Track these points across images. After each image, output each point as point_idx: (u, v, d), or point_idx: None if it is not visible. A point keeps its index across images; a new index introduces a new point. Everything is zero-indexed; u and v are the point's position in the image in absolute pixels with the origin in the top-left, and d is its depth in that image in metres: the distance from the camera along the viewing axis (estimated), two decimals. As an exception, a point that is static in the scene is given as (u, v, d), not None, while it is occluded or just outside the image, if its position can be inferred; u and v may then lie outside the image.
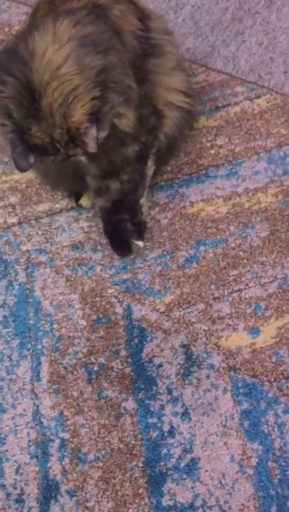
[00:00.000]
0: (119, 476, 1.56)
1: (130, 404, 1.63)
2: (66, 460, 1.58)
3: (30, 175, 1.86)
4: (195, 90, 1.88)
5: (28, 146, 1.40)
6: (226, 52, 2.07)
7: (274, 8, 2.13)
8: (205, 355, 1.67)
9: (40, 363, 1.68)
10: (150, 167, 1.74)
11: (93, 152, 1.38)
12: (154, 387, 1.64)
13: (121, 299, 1.74)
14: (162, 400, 1.63)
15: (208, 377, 1.65)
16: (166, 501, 1.54)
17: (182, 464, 1.57)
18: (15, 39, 1.54)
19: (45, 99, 1.36)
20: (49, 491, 1.56)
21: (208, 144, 1.93)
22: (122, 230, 1.76)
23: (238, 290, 1.74)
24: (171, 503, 1.53)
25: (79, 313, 1.73)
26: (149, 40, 1.61)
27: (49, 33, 1.40)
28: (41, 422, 1.62)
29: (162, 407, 1.62)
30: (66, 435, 1.61)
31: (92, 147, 1.37)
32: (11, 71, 1.39)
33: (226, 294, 1.74)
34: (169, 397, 1.63)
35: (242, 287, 1.75)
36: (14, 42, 1.48)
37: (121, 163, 1.65)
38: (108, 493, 1.55)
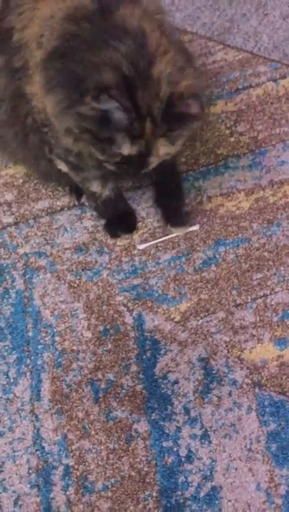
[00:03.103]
0: (131, 508, 1.56)
1: (142, 426, 1.62)
2: (71, 489, 1.58)
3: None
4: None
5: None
6: (246, 27, 2.06)
7: (300, -23, 2.12)
8: (226, 370, 1.66)
9: (40, 381, 1.68)
10: None
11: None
12: (169, 407, 1.64)
13: (131, 308, 1.74)
14: (178, 421, 1.62)
15: (230, 394, 1.64)
16: (184, 535, 1.53)
17: (202, 493, 1.56)
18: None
19: (157, 65, 1.39)
20: (52, 524, 1.56)
21: (228, 131, 1.92)
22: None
23: (263, 296, 1.74)
24: (189, 537, 1.53)
25: (84, 324, 1.73)
26: None
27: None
28: (42, 447, 1.62)
29: (179, 428, 1.62)
30: (71, 461, 1.60)
31: (196, 110, 1.39)
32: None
33: (249, 300, 1.73)
34: (186, 417, 1.62)
35: (267, 292, 1.74)
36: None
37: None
38: (118, 526, 1.55)
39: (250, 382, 1.65)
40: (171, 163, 1.78)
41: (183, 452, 1.60)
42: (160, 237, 1.81)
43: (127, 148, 1.42)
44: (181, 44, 1.58)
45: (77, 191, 1.85)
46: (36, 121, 1.58)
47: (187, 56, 1.55)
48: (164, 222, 1.81)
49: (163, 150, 1.44)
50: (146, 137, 1.41)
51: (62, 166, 1.67)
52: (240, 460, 1.59)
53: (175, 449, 1.60)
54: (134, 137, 1.40)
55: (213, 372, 1.67)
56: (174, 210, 1.82)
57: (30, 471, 1.60)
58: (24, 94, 1.56)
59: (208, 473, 1.58)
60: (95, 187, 1.73)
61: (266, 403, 1.63)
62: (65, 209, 1.87)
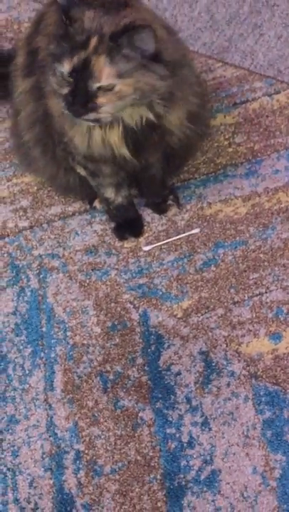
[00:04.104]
0: (137, 489, 1.56)
1: (147, 414, 1.62)
2: (81, 473, 1.58)
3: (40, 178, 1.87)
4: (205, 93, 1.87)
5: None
6: (243, 46, 2.06)
7: (293, 0, 2.12)
8: (225, 363, 1.66)
9: (53, 372, 1.67)
10: None
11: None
12: (172, 396, 1.63)
13: (137, 305, 1.74)
14: (181, 410, 1.62)
15: (228, 385, 1.64)
16: (186, 515, 1.53)
17: (202, 476, 1.56)
18: None
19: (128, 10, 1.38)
20: (64, 505, 1.55)
21: (226, 142, 1.92)
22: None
23: (259, 294, 1.73)
24: (191, 517, 1.53)
25: (93, 320, 1.72)
26: None
27: None
28: (55, 434, 1.62)
29: (181, 416, 1.61)
30: (81, 447, 1.60)
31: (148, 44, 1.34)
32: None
33: (246, 298, 1.73)
34: (188, 406, 1.62)
35: (263, 291, 1.73)
36: None
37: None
38: (125, 507, 1.54)
39: (247, 373, 1.65)
40: (159, 177, 1.79)
41: (185, 438, 1.60)
42: (164, 240, 1.81)
43: (67, 61, 1.35)
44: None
45: (90, 201, 1.86)
46: (59, 133, 1.58)
47: (171, 36, 1.52)
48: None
49: (105, 71, 1.34)
50: (89, 50, 1.34)
51: (82, 171, 1.67)
52: (237, 445, 1.58)
53: (178, 435, 1.60)
54: (76, 48, 1.34)
55: (213, 364, 1.66)
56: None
57: (44, 456, 1.60)
58: (51, 112, 1.56)
59: (208, 458, 1.58)
60: (109, 193, 1.73)
61: (262, 393, 1.63)
62: (76, 214, 1.87)
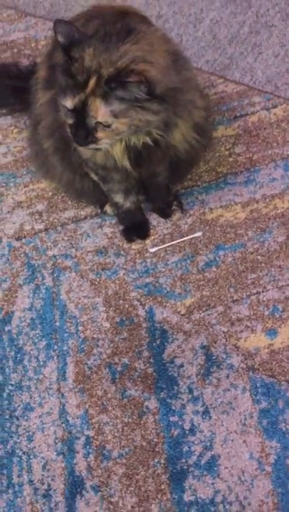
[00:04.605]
0: (142, 473, 1.55)
1: (152, 403, 1.62)
2: (91, 457, 1.58)
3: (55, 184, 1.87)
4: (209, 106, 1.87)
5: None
6: (243, 63, 2.06)
7: (290, 21, 2.12)
8: (224, 356, 1.66)
9: (66, 364, 1.67)
10: None
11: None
12: (176, 387, 1.63)
13: (143, 302, 1.74)
14: (183, 399, 1.62)
15: (227, 377, 1.63)
16: (187, 497, 1.52)
17: (203, 461, 1.55)
18: None
19: (127, 46, 1.36)
20: (75, 486, 1.55)
21: (227, 152, 1.92)
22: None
23: (256, 293, 1.73)
24: (192, 498, 1.52)
25: (103, 316, 1.72)
26: None
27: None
28: (67, 420, 1.61)
29: (183, 406, 1.61)
30: (91, 433, 1.60)
31: (136, 79, 1.33)
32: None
33: (244, 296, 1.73)
34: (190, 396, 1.62)
35: (260, 290, 1.73)
36: None
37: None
38: (131, 488, 1.54)
39: (244, 366, 1.65)
40: (165, 185, 1.80)
41: (187, 426, 1.60)
42: (169, 242, 1.81)
43: (69, 100, 1.37)
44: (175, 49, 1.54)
45: (101, 206, 1.86)
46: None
47: (176, 59, 1.49)
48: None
49: (100, 112, 1.36)
50: (87, 92, 1.35)
51: (94, 176, 1.67)
52: (235, 433, 1.58)
53: (180, 423, 1.60)
54: (76, 88, 1.35)
55: (213, 357, 1.66)
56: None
57: (57, 441, 1.60)
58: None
59: (208, 444, 1.57)
60: (118, 198, 1.73)
61: (258, 385, 1.62)
62: (88, 218, 1.86)
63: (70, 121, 1.41)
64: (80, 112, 1.38)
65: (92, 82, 1.34)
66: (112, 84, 1.33)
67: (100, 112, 1.36)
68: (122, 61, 1.34)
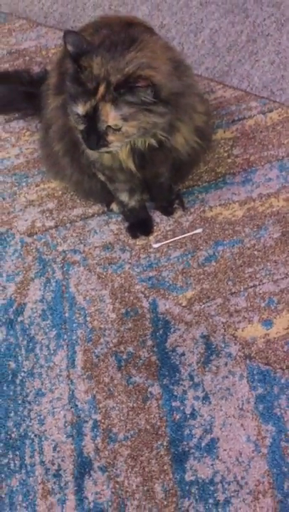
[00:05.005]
0: (146, 454, 1.56)
1: (156, 389, 1.62)
2: (98, 439, 1.58)
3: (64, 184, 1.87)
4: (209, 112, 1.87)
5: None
6: (241, 70, 2.06)
7: (285, 30, 2.11)
8: (223, 345, 1.66)
9: (75, 352, 1.68)
10: None
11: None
12: (178, 374, 1.63)
13: (147, 294, 1.74)
14: (185, 386, 1.62)
15: (226, 364, 1.63)
16: (188, 477, 1.53)
17: (203, 444, 1.56)
18: None
19: (132, 53, 1.36)
20: (83, 467, 1.55)
21: (226, 154, 1.91)
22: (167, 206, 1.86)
23: (253, 286, 1.73)
24: (193, 478, 1.53)
25: (109, 307, 1.72)
26: None
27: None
28: (76, 405, 1.62)
29: (185, 391, 1.61)
30: (98, 417, 1.60)
31: (143, 83, 1.33)
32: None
33: (241, 289, 1.73)
34: (191, 382, 1.62)
35: (256, 283, 1.73)
36: None
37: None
38: (136, 469, 1.54)
39: (242, 355, 1.65)
40: (167, 184, 1.79)
41: (188, 410, 1.60)
42: (171, 238, 1.81)
43: (80, 106, 1.37)
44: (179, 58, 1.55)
45: (107, 204, 1.86)
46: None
47: (178, 66, 1.49)
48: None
49: (110, 116, 1.36)
50: (97, 98, 1.35)
51: (101, 176, 1.67)
52: (233, 417, 1.58)
53: (182, 407, 1.60)
54: (87, 94, 1.36)
55: (213, 346, 1.66)
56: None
57: (66, 424, 1.60)
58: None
59: (208, 428, 1.58)
60: (124, 197, 1.73)
61: (255, 372, 1.62)
62: (95, 215, 1.87)
63: (82, 126, 1.41)
64: (91, 117, 1.38)
65: (101, 89, 1.34)
66: (121, 90, 1.33)
67: (111, 116, 1.36)
68: (128, 68, 1.34)
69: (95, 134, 1.40)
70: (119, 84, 1.34)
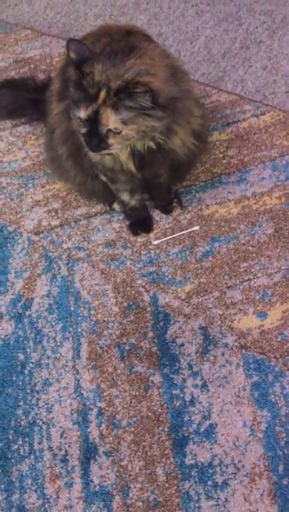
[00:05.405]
0: (148, 439, 1.55)
1: (157, 378, 1.62)
2: (103, 426, 1.57)
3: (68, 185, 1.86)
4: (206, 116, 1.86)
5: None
6: (235, 76, 2.05)
7: (276, 38, 2.10)
8: (220, 336, 1.65)
9: (80, 344, 1.67)
10: None
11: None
12: (177, 363, 1.63)
13: (148, 289, 1.73)
14: (184, 374, 1.61)
15: (223, 354, 1.63)
16: (188, 461, 1.52)
17: (202, 429, 1.55)
18: None
19: (131, 60, 1.35)
20: (89, 452, 1.55)
21: (221, 155, 1.91)
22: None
23: (248, 280, 1.72)
24: (192, 462, 1.52)
25: (112, 301, 1.72)
26: None
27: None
28: (82, 394, 1.61)
29: (184, 380, 1.61)
30: (103, 405, 1.60)
31: (142, 89, 1.32)
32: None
33: (237, 283, 1.72)
34: (190, 371, 1.62)
35: (251, 277, 1.72)
36: None
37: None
38: (139, 453, 1.54)
39: (238, 345, 1.64)
40: (166, 184, 1.78)
41: (187, 398, 1.59)
42: (170, 235, 1.81)
43: (82, 110, 1.37)
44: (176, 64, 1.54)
45: (109, 204, 1.85)
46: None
47: (175, 72, 1.48)
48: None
49: (111, 120, 1.36)
50: (98, 103, 1.35)
51: (103, 178, 1.67)
52: (230, 404, 1.58)
53: (181, 395, 1.60)
54: (88, 99, 1.35)
55: (210, 337, 1.66)
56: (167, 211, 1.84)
57: (73, 412, 1.60)
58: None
59: (207, 414, 1.57)
60: (125, 197, 1.73)
61: (250, 361, 1.62)
62: (98, 214, 1.86)
63: (84, 130, 1.41)
64: (93, 121, 1.37)
65: (102, 94, 1.34)
66: (121, 95, 1.33)
67: (111, 120, 1.36)
68: (128, 74, 1.33)
69: (97, 136, 1.40)
70: (119, 90, 1.33)
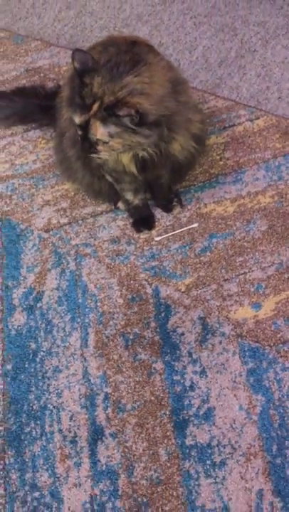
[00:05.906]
0: (151, 422, 1.55)
1: (159, 365, 1.61)
2: (109, 410, 1.57)
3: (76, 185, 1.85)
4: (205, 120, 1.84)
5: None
6: (231, 83, 2.03)
7: (269, 47, 2.09)
8: (218, 326, 1.65)
9: (87, 333, 1.67)
10: None
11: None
12: (178, 351, 1.62)
13: (150, 282, 1.73)
14: (184, 362, 1.61)
15: (220, 343, 1.62)
16: (188, 442, 1.52)
17: (201, 412, 1.55)
18: None
19: (129, 78, 1.33)
20: (96, 434, 1.55)
21: (218, 157, 1.90)
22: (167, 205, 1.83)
23: (244, 273, 1.72)
24: (192, 443, 1.52)
25: (117, 294, 1.71)
26: None
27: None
28: (89, 380, 1.61)
29: (184, 367, 1.60)
30: (109, 390, 1.59)
31: (124, 113, 1.31)
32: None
33: (233, 276, 1.71)
34: (190, 359, 1.61)
35: (246, 271, 1.72)
36: None
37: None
38: (142, 435, 1.54)
39: (234, 334, 1.64)
40: (167, 185, 1.77)
41: (187, 383, 1.59)
42: (171, 232, 1.80)
43: (77, 117, 1.37)
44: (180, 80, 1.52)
45: (114, 203, 1.84)
46: None
47: (176, 85, 1.46)
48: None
49: (99, 131, 1.36)
50: (90, 114, 1.35)
51: (109, 178, 1.66)
52: (227, 389, 1.57)
53: (182, 381, 1.59)
54: (83, 108, 1.35)
55: (209, 327, 1.65)
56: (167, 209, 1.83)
57: (81, 397, 1.60)
58: None
59: (205, 398, 1.57)
60: (129, 196, 1.72)
61: (246, 349, 1.61)
62: (104, 213, 1.85)
63: (79, 132, 1.41)
64: (85, 128, 1.38)
65: (95, 106, 1.34)
66: (110, 111, 1.32)
67: (99, 131, 1.36)
68: (121, 92, 1.33)
69: (88, 142, 1.40)
70: (109, 106, 1.33)
